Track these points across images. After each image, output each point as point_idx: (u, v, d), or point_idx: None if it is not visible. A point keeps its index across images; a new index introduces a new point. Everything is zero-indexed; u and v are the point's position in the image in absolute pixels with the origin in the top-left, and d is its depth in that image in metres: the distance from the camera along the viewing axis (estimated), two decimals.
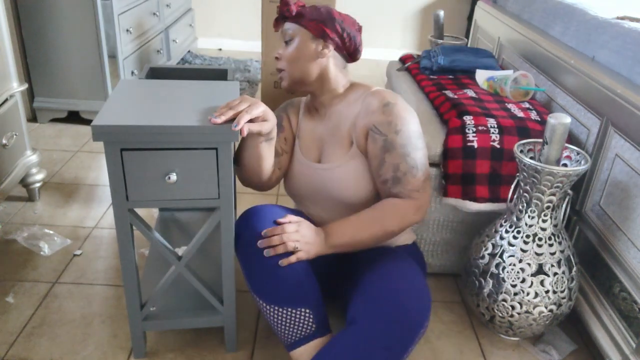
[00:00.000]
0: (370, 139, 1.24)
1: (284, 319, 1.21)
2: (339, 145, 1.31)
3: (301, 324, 1.20)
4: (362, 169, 1.28)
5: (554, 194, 1.33)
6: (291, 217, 1.23)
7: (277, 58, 1.31)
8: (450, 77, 1.96)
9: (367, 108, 1.25)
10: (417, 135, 1.25)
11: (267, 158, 1.27)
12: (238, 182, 2.24)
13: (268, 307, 1.21)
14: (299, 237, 1.19)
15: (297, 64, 1.28)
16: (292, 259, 1.18)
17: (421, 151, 1.26)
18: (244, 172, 1.32)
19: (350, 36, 1.29)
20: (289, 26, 1.28)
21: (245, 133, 1.11)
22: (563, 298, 1.38)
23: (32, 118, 2.66)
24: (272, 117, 1.18)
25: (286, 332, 1.22)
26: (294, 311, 1.19)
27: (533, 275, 1.36)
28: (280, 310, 1.20)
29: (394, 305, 1.10)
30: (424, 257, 1.54)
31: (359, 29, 1.32)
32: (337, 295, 1.38)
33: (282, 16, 1.29)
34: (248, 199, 2.12)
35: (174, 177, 1.11)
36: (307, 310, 1.20)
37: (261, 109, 1.15)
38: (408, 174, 1.23)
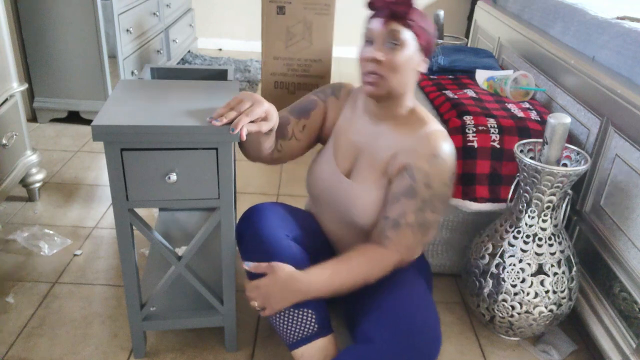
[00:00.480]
0: (400, 174, 1.19)
1: (286, 319, 1.20)
2: (373, 168, 1.24)
3: (303, 324, 1.20)
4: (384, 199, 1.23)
5: (554, 194, 1.33)
6: (264, 267, 1.16)
7: (376, 60, 1.14)
8: (450, 77, 1.96)
9: (417, 148, 1.18)
10: (443, 199, 1.19)
11: (264, 143, 1.21)
12: (238, 182, 2.24)
13: None
14: (257, 296, 1.15)
15: (402, 74, 1.16)
16: (260, 314, 1.18)
17: (436, 216, 1.19)
18: (241, 144, 1.26)
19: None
20: (402, 30, 1.14)
21: (244, 137, 1.08)
22: (563, 298, 1.38)
23: (32, 118, 2.66)
24: (274, 116, 1.14)
25: (288, 332, 1.21)
26: (296, 311, 1.19)
27: (533, 275, 1.36)
28: (283, 310, 1.20)
29: (413, 328, 1.09)
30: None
31: None
32: (338, 301, 1.37)
33: (396, 15, 1.14)
34: (248, 199, 2.12)
35: (174, 177, 1.11)
36: (309, 311, 1.20)
37: (263, 109, 1.10)
38: (410, 227, 1.17)
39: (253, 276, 1.19)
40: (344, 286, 1.16)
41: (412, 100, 1.25)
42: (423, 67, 1.20)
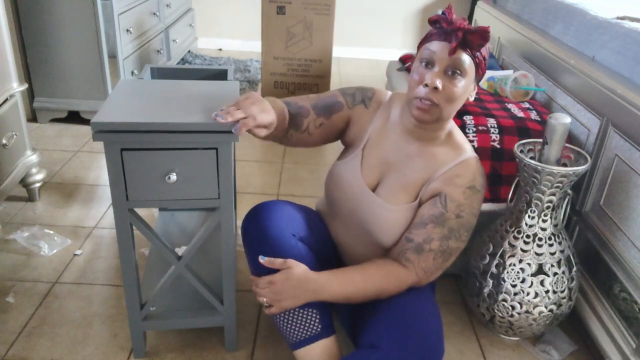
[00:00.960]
0: (432, 200, 1.17)
1: (290, 319, 1.20)
2: (403, 188, 1.21)
3: (307, 324, 1.20)
4: (410, 222, 1.21)
5: (554, 194, 1.33)
6: (279, 262, 1.14)
7: (434, 88, 1.09)
8: None
9: (453, 178, 1.16)
10: (469, 228, 1.18)
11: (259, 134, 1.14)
12: (238, 182, 2.24)
13: None
14: (268, 293, 1.14)
15: (456, 103, 1.13)
16: (265, 311, 1.17)
17: (459, 244, 1.18)
18: None
19: None
20: (467, 60, 1.09)
21: (242, 134, 1.07)
22: (563, 298, 1.38)
23: (32, 118, 2.66)
24: (274, 125, 1.12)
25: (292, 331, 1.21)
26: (300, 311, 1.19)
27: (533, 275, 1.36)
28: (287, 311, 1.20)
29: (420, 336, 1.09)
30: None
31: None
32: (340, 309, 1.36)
33: (469, 45, 1.08)
34: (248, 199, 2.12)
35: (174, 177, 1.11)
36: (314, 311, 1.19)
37: (269, 119, 1.08)
38: (432, 253, 1.16)
39: (259, 272, 1.18)
40: (356, 295, 1.16)
41: (451, 123, 1.23)
42: (473, 96, 1.17)
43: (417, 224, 1.17)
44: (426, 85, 1.09)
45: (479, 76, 1.14)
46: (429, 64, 1.11)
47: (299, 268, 1.14)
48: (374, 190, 1.24)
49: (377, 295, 1.16)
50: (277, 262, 1.15)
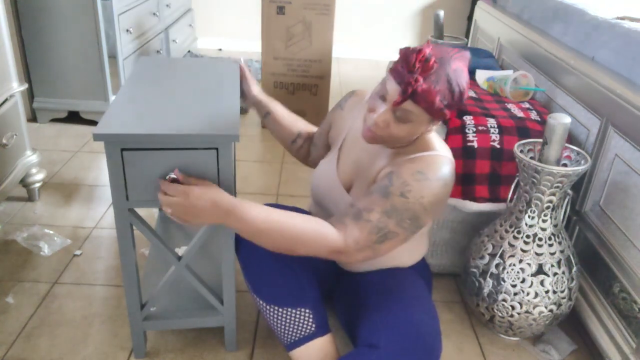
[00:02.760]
0: (379, 178, 1.15)
1: (283, 319, 1.20)
2: (368, 185, 1.20)
3: (301, 324, 1.20)
4: None
5: (554, 194, 1.33)
6: (195, 180, 1.09)
7: (375, 122, 1.08)
8: None
9: (405, 162, 1.12)
10: (414, 218, 1.08)
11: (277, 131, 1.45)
12: (238, 182, 2.24)
13: (268, 307, 1.21)
14: (177, 206, 1.05)
15: (403, 139, 1.12)
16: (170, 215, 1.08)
17: (399, 230, 1.08)
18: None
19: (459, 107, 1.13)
20: (412, 108, 1.05)
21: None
22: (563, 298, 1.38)
23: (32, 118, 2.66)
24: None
25: (286, 332, 1.21)
26: (293, 311, 1.19)
27: (533, 275, 1.36)
28: (280, 310, 1.20)
29: (418, 335, 1.09)
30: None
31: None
32: (337, 307, 1.37)
33: (408, 95, 1.03)
34: (248, 199, 2.11)
35: (174, 177, 1.11)
36: (307, 310, 1.20)
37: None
38: (369, 225, 1.07)
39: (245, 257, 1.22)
40: (270, 232, 1.05)
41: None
42: (433, 130, 1.13)
43: (364, 194, 1.12)
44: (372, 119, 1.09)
45: (439, 118, 1.08)
46: (382, 98, 1.08)
47: (216, 188, 1.07)
48: (349, 190, 1.26)
49: (293, 245, 1.06)
50: (175, 175, 1.08)
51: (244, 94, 1.47)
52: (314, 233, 1.06)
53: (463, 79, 1.04)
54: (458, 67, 1.04)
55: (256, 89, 1.47)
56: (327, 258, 1.10)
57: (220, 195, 1.05)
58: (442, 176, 1.09)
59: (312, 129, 1.50)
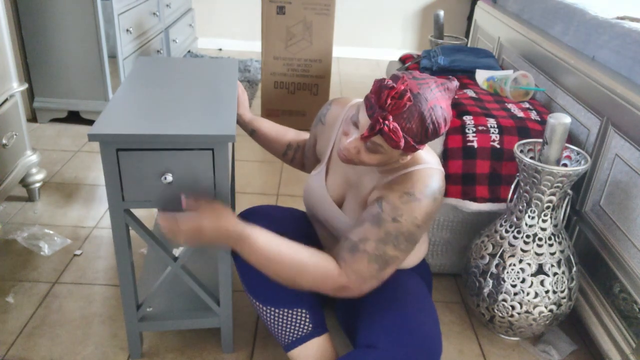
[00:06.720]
0: (370, 204, 1.12)
1: (280, 320, 1.20)
2: (360, 205, 1.19)
3: (298, 324, 1.20)
4: None
5: (554, 194, 1.33)
6: (202, 206, 1.07)
7: (346, 148, 1.06)
8: (451, 77, 1.96)
9: (392, 184, 1.10)
10: (410, 238, 1.08)
11: (267, 146, 1.45)
12: (238, 182, 2.24)
13: (264, 308, 1.21)
14: (186, 239, 1.06)
15: (373, 165, 1.10)
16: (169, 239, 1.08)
17: (397, 253, 1.08)
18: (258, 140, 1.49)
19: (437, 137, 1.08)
20: (381, 142, 1.02)
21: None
22: (563, 298, 1.38)
23: (32, 118, 2.66)
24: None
25: (283, 332, 1.21)
26: (290, 312, 1.19)
27: (533, 275, 1.36)
28: (277, 311, 1.20)
29: (417, 336, 1.08)
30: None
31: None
32: (336, 308, 1.36)
33: (376, 132, 1.00)
34: (248, 199, 2.12)
35: (169, 177, 1.11)
36: (304, 311, 1.20)
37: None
38: (367, 255, 1.07)
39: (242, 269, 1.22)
40: (273, 263, 1.06)
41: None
42: (407, 157, 1.09)
43: (356, 224, 1.11)
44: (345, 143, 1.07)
45: (410, 151, 1.04)
46: (355, 125, 1.06)
47: (226, 215, 1.05)
48: (341, 204, 1.24)
49: (295, 277, 1.07)
50: (186, 204, 1.08)
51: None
52: (317, 269, 1.06)
53: (440, 114, 1.00)
54: (436, 103, 1.00)
55: (242, 110, 1.46)
56: (333, 295, 1.10)
57: (232, 223, 1.05)
58: (430, 193, 1.07)
59: (303, 136, 1.47)
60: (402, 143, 1.00)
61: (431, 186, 1.08)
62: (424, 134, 1.01)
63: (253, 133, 1.48)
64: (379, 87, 1.00)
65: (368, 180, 1.17)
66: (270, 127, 1.48)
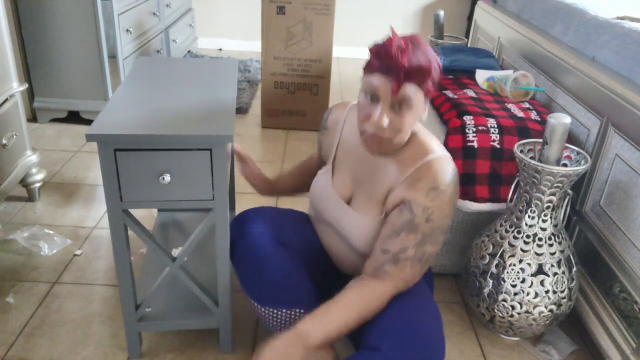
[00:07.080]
0: (398, 208, 1.13)
1: (279, 321, 1.20)
2: (372, 201, 1.19)
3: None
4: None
5: (554, 194, 1.33)
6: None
7: (378, 125, 1.06)
8: (450, 77, 1.96)
9: (413, 182, 1.11)
10: (443, 230, 1.13)
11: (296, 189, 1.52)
12: (238, 182, 2.24)
13: (263, 309, 1.21)
14: None
15: (407, 131, 1.09)
16: None
17: (436, 247, 1.14)
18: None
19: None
20: (409, 91, 1.03)
21: None
22: (563, 298, 1.38)
23: (32, 118, 2.66)
24: None
25: (282, 332, 1.21)
26: (288, 312, 1.19)
27: (533, 275, 1.36)
28: (275, 311, 1.20)
29: (421, 337, 1.08)
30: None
31: None
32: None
33: (410, 80, 1.02)
34: (248, 199, 2.11)
35: (167, 177, 1.11)
36: (302, 311, 1.19)
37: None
38: (410, 261, 1.12)
39: (251, 289, 1.23)
40: (340, 331, 1.10)
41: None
42: (425, 115, 1.11)
43: (390, 234, 1.13)
44: (373, 123, 1.07)
45: (430, 95, 1.09)
46: (374, 98, 1.05)
47: (280, 339, 1.06)
48: (349, 202, 1.24)
49: (361, 321, 1.12)
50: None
51: (247, 175, 1.47)
52: (371, 303, 1.12)
53: (433, 53, 1.06)
54: (424, 45, 1.06)
55: (257, 169, 1.48)
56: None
57: (299, 347, 1.05)
58: (450, 180, 1.11)
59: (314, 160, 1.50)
60: (429, 74, 1.03)
61: (449, 174, 1.11)
62: (434, 68, 1.05)
63: (274, 186, 1.51)
64: (378, 47, 1.04)
65: (382, 176, 1.17)
66: (290, 169, 1.53)
